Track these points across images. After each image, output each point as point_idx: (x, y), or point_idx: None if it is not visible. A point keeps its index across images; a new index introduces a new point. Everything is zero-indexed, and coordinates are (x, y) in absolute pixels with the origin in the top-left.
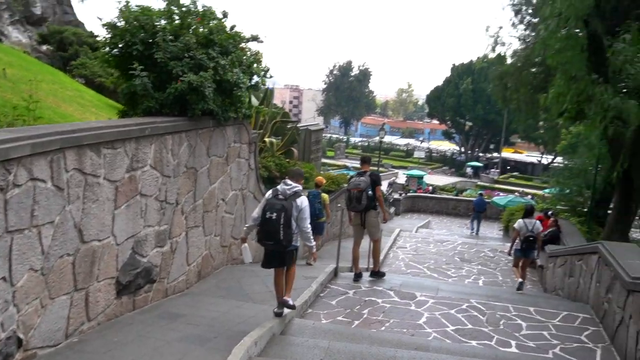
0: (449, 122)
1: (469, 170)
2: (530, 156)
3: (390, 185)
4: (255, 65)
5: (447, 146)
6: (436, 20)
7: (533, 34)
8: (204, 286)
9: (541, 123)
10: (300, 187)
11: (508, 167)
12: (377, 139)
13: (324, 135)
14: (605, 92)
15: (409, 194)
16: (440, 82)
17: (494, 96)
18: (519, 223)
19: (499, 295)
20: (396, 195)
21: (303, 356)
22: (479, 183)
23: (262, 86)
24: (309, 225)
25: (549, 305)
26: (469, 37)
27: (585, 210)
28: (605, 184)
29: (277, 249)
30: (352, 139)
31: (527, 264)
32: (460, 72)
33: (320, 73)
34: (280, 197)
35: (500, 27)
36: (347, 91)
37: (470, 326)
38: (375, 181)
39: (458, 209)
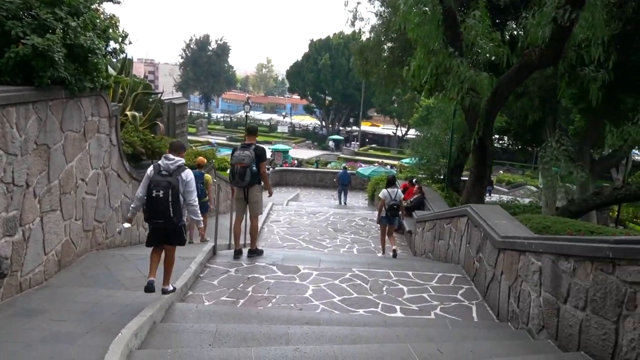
0: (309, 97)
1: (331, 143)
2: (386, 129)
3: None
4: (111, 30)
5: (309, 120)
6: None
7: (389, 9)
8: (66, 276)
9: (394, 98)
10: (183, 161)
11: (367, 140)
12: (239, 114)
13: None
14: (461, 65)
15: (276, 168)
16: (299, 58)
17: (355, 70)
18: (383, 193)
19: (378, 262)
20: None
21: (190, 343)
22: (341, 155)
23: (121, 54)
24: (196, 199)
25: (425, 268)
26: (327, 13)
27: (442, 177)
28: (459, 153)
29: (168, 227)
30: (214, 115)
31: (392, 230)
32: (319, 48)
33: (176, 47)
34: (164, 172)
35: (358, 3)
36: (206, 66)
37: (355, 295)
38: (260, 156)
39: (325, 181)
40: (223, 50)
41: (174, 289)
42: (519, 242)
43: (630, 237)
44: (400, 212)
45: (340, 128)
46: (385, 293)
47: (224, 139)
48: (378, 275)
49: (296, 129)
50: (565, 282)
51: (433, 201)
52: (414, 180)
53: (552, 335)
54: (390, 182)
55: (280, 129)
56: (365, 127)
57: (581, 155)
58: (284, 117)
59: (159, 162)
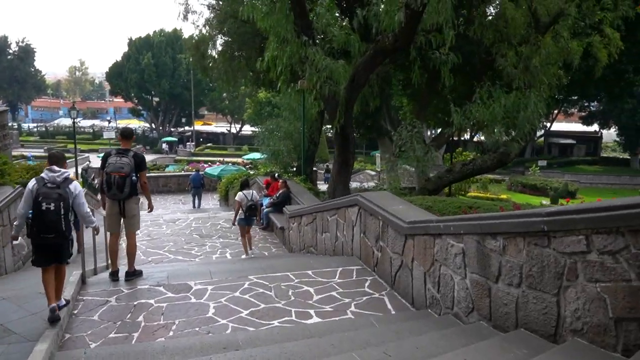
0: (135, 99)
1: (164, 146)
2: (219, 127)
3: (85, 170)
4: None
5: (137, 124)
6: None
7: (220, 3)
8: None
9: (224, 95)
10: (69, 172)
11: (201, 139)
12: (55, 122)
13: None
14: (317, 53)
15: None
16: (119, 58)
17: (193, 66)
18: (239, 195)
19: (272, 265)
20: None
21: None
22: (177, 158)
23: None
24: (88, 209)
25: (322, 265)
26: (145, 10)
27: (294, 169)
28: (309, 144)
29: (59, 242)
30: (25, 125)
31: (249, 230)
32: (139, 47)
33: None
34: (51, 185)
35: None
36: (8, 71)
37: (263, 305)
38: (140, 164)
39: (169, 185)
40: (26, 53)
41: (67, 301)
42: (433, 225)
43: (561, 207)
44: (256, 212)
45: (172, 129)
46: (293, 298)
47: (42, 150)
48: (278, 279)
49: None
50: (495, 261)
51: (300, 194)
52: (276, 175)
53: (484, 317)
54: (244, 184)
55: (106, 135)
56: (198, 126)
57: None
58: (109, 122)
59: (42, 175)
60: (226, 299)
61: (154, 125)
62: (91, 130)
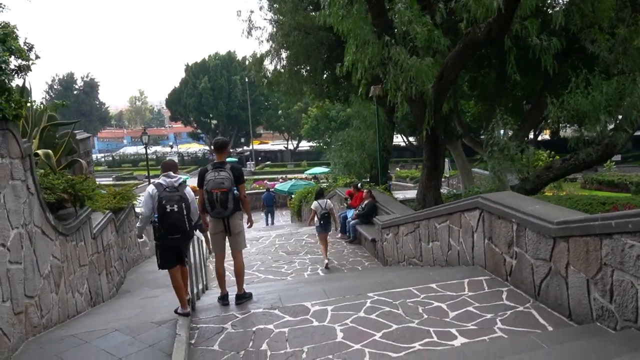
0: (194, 123)
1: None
2: (276, 144)
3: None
4: (10, 40)
5: (197, 147)
6: (158, 23)
7: (282, 17)
8: None
9: (280, 112)
10: (183, 177)
11: (259, 158)
12: (121, 151)
13: None
14: (402, 52)
15: None
16: (177, 85)
17: (258, 82)
18: (314, 204)
19: (391, 280)
20: None
21: None
22: None
23: (28, 71)
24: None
25: (444, 277)
26: (198, 36)
27: (367, 179)
28: (383, 152)
29: (183, 241)
30: (93, 156)
31: (326, 237)
32: (196, 72)
33: (37, 89)
34: (170, 189)
35: (252, 11)
36: (75, 105)
37: (395, 326)
38: (239, 177)
39: None
40: (91, 87)
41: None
42: (599, 224)
43: None
44: (331, 219)
45: (231, 150)
46: (426, 316)
47: (110, 179)
48: (402, 295)
49: (184, 157)
50: None
51: (387, 204)
52: (359, 185)
53: None
54: (319, 194)
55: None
56: (256, 145)
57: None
58: (171, 148)
59: (159, 180)
60: (351, 320)
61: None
62: (154, 157)
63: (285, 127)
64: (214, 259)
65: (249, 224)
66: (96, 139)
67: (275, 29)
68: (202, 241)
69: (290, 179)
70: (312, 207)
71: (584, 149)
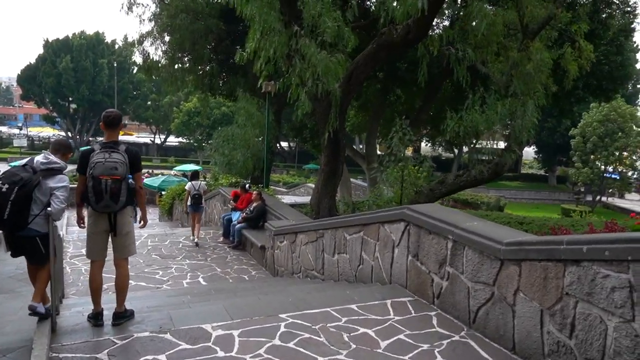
0: (49, 105)
1: None
2: (141, 137)
3: None
4: None
5: (50, 132)
6: None
7: None
8: None
9: (149, 103)
10: (62, 164)
11: None
12: None
13: None
14: (311, 45)
15: None
16: (31, 61)
17: (139, 68)
18: (188, 185)
19: (303, 298)
20: None
21: None
22: None
23: None
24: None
25: (362, 296)
26: (61, 10)
27: (249, 179)
28: (266, 152)
29: (5, 230)
30: None
31: (198, 217)
32: (56, 49)
33: None
34: (28, 168)
35: None
36: None
37: (321, 358)
38: (136, 163)
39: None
40: None
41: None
42: (563, 248)
43: None
44: (202, 201)
45: (90, 138)
46: (354, 345)
47: None
48: (320, 318)
49: (35, 142)
50: None
51: (279, 208)
52: (247, 185)
53: None
54: (194, 175)
55: (17, 142)
56: (120, 136)
57: (369, 148)
58: (20, 130)
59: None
60: (266, 350)
61: (70, 134)
62: None
63: (154, 120)
64: (90, 265)
65: (141, 222)
66: None
67: (160, 9)
68: (63, 236)
69: (157, 174)
70: (187, 187)
71: (477, 166)
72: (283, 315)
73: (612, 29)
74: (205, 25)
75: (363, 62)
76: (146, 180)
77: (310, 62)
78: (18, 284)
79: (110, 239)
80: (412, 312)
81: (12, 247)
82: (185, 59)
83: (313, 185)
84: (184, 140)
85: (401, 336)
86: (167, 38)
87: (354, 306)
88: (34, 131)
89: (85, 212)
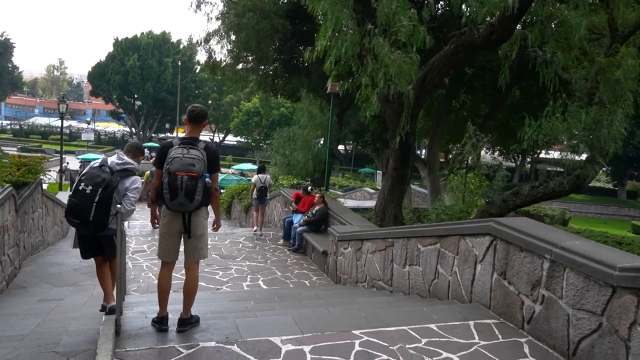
0: (117, 102)
1: (146, 152)
2: (202, 135)
3: (63, 172)
4: None
5: (116, 127)
6: None
7: None
8: None
9: (210, 102)
10: (135, 165)
11: None
12: (30, 121)
13: None
14: (384, 45)
15: None
16: (101, 59)
17: (204, 65)
18: (254, 178)
19: (376, 313)
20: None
21: None
22: None
23: None
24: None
25: (443, 316)
26: (130, 10)
27: (309, 181)
28: (329, 154)
29: (86, 233)
30: None
31: (263, 209)
32: (125, 48)
33: None
34: (106, 169)
35: None
36: None
37: None
38: (215, 162)
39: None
40: (5, 47)
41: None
42: None
43: None
44: (267, 194)
45: (153, 135)
46: None
47: (15, 149)
48: (397, 337)
49: (102, 136)
50: None
51: (342, 213)
52: (309, 188)
53: None
54: (261, 169)
55: (84, 136)
56: (180, 134)
57: (431, 154)
58: (88, 124)
59: (109, 157)
60: None
61: (134, 130)
62: (68, 131)
63: (214, 118)
64: (160, 267)
65: (214, 226)
66: (3, 105)
67: (227, 8)
68: (125, 231)
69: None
70: (253, 180)
71: (556, 178)
72: (356, 332)
73: None
74: (271, 25)
75: (439, 63)
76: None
77: (383, 62)
78: (82, 277)
79: (182, 240)
80: (500, 337)
81: (88, 247)
82: (250, 58)
83: (370, 190)
84: (242, 140)
85: None
86: (233, 37)
87: (433, 326)
88: (100, 126)
89: (158, 211)
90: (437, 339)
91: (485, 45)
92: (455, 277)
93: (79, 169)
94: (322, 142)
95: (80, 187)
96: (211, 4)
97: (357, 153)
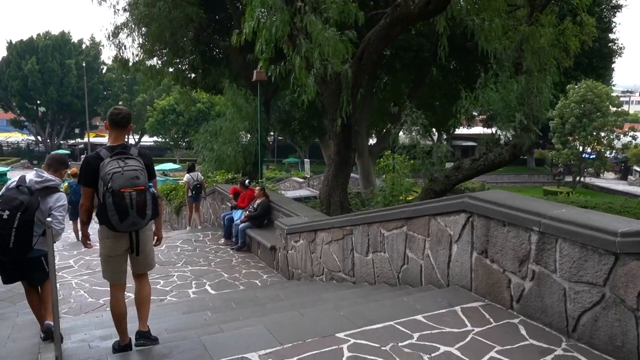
0: (16, 109)
1: None
2: None
3: None
4: None
5: (18, 137)
6: None
7: None
8: None
9: (120, 102)
10: (56, 181)
11: None
12: None
13: None
14: (317, 22)
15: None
16: None
17: (114, 60)
18: (186, 177)
19: (360, 312)
20: None
21: None
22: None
23: None
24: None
25: (428, 305)
26: (22, 12)
27: (240, 175)
28: (260, 145)
29: (7, 260)
30: None
31: (197, 207)
32: (21, 51)
33: None
34: (24, 189)
35: None
36: None
37: None
38: (152, 167)
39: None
40: None
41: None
42: None
43: None
44: (202, 192)
45: (62, 142)
46: None
47: None
48: (386, 335)
49: (4, 147)
50: None
51: (285, 203)
52: (246, 182)
53: None
54: (191, 168)
55: None
56: (91, 138)
57: (359, 138)
58: None
59: (28, 174)
60: None
61: (40, 138)
62: None
63: None
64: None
65: (156, 240)
66: None
67: None
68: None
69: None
70: (185, 179)
71: (495, 149)
72: (341, 335)
73: (603, 4)
74: (184, 14)
75: (375, 39)
76: None
77: (317, 41)
78: (1, 304)
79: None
80: (491, 320)
81: (10, 272)
82: (164, 51)
83: (298, 179)
84: (160, 140)
85: (493, 354)
86: (144, 29)
87: (420, 317)
88: (1, 137)
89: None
90: (429, 332)
91: (422, 17)
92: (429, 260)
93: None
94: (249, 133)
95: None
96: None
97: (279, 144)
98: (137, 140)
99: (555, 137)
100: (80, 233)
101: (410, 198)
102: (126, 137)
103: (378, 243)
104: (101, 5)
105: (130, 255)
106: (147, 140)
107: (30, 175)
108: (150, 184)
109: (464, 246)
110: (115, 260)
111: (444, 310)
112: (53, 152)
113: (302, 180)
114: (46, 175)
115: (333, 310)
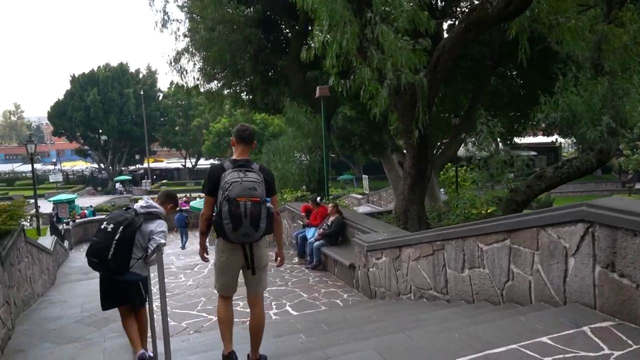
0: (80, 139)
1: (117, 186)
2: (171, 162)
3: (37, 216)
4: None
5: (83, 165)
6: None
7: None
8: None
9: (177, 128)
10: (160, 210)
11: (154, 177)
12: None
13: None
14: (389, 32)
15: (76, 221)
16: (59, 97)
17: (176, 87)
18: None
19: (476, 333)
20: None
21: None
22: (133, 197)
23: None
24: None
25: (550, 325)
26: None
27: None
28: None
29: (106, 274)
30: None
31: None
32: (83, 84)
33: None
34: (130, 211)
35: (167, 1)
36: None
37: None
38: (273, 184)
39: None
40: None
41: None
42: None
43: None
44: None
45: (123, 168)
46: None
47: None
48: None
49: (70, 176)
50: None
51: (360, 220)
52: (318, 199)
53: None
54: None
55: (52, 178)
56: (151, 164)
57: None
58: (54, 165)
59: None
60: None
61: (102, 165)
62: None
63: (183, 144)
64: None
65: (277, 260)
66: None
67: (195, 23)
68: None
69: (194, 197)
70: None
71: (580, 155)
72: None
73: None
74: (243, 36)
75: (450, 45)
76: (193, 204)
77: (389, 52)
78: (87, 329)
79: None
80: (630, 343)
81: (109, 293)
82: (223, 74)
83: (357, 195)
84: (216, 162)
85: None
86: (204, 53)
87: (545, 339)
88: (67, 166)
89: (216, 244)
90: (562, 356)
91: (499, 19)
92: (539, 275)
93: (51, 211)
94: (312, 150)
95: (102, 226)
96: (177, 21)
97: (333, 161)
98: (194, 163)
99: (623, 143)
100: (198, 246)
101: (490, 210)
102: (249, 152)
103: (475, 258)
104: (162, 33)
105: (246, 274)
106: (204, 163)
107: (139, 202)
108: (268, 198)
109: (584, 259)
110: (230, 273)
111: (571, 332)
112: (165, 189)
113: (360, 196)
114: (152, 202)
115: (445, 332)
